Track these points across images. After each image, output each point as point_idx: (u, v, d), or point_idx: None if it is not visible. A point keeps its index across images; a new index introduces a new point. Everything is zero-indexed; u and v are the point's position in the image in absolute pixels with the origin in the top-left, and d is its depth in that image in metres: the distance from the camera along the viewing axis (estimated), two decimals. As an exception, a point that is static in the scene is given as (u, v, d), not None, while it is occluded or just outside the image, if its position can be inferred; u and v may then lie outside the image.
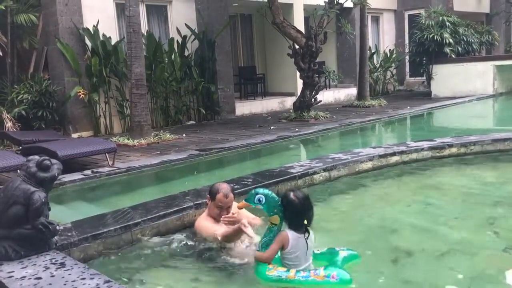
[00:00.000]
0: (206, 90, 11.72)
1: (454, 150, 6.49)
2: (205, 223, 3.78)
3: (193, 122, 11.71)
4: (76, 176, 5.92)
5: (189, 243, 3.75)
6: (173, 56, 11.13)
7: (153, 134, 8.90)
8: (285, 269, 3.08)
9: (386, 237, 3.97)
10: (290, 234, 3.09)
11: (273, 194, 3.22)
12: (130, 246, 3.71)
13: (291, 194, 3.13)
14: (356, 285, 3.02)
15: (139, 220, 3.79)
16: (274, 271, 3.07)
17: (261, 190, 3.24)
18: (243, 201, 3.33)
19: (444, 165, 6.24)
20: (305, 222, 3.08)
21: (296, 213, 3.11)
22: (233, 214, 3.77)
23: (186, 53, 11.56)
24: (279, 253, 3.17)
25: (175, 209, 4.04)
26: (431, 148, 6.40)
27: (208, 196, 3.85)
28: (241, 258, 3.42)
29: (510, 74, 15.50)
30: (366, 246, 3.77)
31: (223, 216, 3.75)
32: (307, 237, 3.10)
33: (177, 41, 11.37)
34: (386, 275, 3.25)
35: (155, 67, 10.73)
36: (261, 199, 3.17)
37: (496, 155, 6.50)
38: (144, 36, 10.46)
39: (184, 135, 9.45)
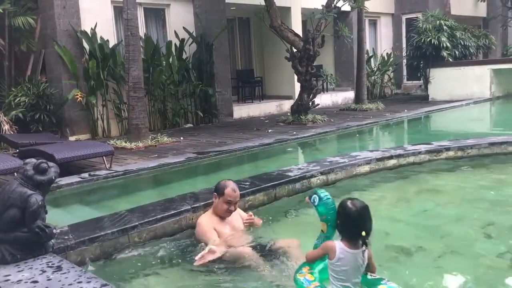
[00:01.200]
0: (203, 93, 11.73)
1: (451, 153, 6.51)
2: (206, 225, 3.76)
3: (191, 125, 11.71)
4: (73, 179, 5.90)
5: (186, 246, 3.75)
6: (171, 59, 11.14)
7: (150, 137, 8.89)
8: (313, 278, 2.85)
9: (384, 239, 3.97)
10: (338, 246, 2.76)
11: (330, 200, 2.93)
12: (128, 249, 3.70)
13: (348, 202, 2.81)
14: None
15: (137, 223, 3.79)
16: (303, 276, 2.88)
17: (320, 191, 3.00)
18: (307, 197, 3.11)
19: (442, 168, 6.25)
20: (363, 234, 2.70)
21: (350, 223, 2.77)
22: (250, 215, 3.89)
23: (184, 56, 11.57)
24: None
25: (173, 212, 4.03)
26: (428, 152, 6.42)
27: (215, 193, 3.85)
28: (235, 261, 3.40)
29: (507, 78, 15.55)
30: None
31: (245, 220, 3.81)
32: (364, 251, 2.75)
33: (175, 44, 11.38)
34: (385, 277, 3.25)
35: (152, 70, 10.73)
36: (314, 200, 2.96)
37: (493, 158, 6.51)
38: (142, 39, 10.46)
39: (181, 138, 9.45)
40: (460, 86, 15.06)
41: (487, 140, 6.86)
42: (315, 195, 2.97)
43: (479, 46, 17.05)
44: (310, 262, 2.94)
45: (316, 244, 2.98)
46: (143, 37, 10.79)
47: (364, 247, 2.72)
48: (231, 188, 3.81)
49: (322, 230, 2.97)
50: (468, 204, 4.93)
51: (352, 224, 2.75)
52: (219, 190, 3.82)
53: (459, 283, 3.15)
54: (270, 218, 4.44)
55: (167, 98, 11.24)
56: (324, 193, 2.97)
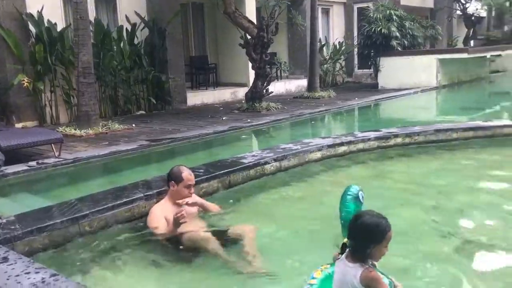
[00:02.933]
0: (156, 79, 11.53)
1: (399, 140, 6.74)
2: (156, 214, 3.73)
3: (143, 112, 11.50)
4: (20, 167, 5.69)
5: (139, 235, 3.71)
6: (122, 44, 10.86)
7: (101, 124, 8.67)
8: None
9: (334, 224, 4.08)
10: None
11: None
12: (79, 238, 3.62)
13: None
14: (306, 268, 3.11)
15: (87, 212, 3.71)
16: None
17: (356, 186, 2.89)
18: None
19: (390, 154, 6.47)
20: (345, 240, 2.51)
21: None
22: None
23: (136, 42, 11.31)
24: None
25: (124, 200, 3.97)
26: (377, 138, 6.62)
27: (172, 181, 3.81)
28: (193, 245, 3.40)
29: (452, 67, 16.21)
30: (315, 233, 3.88)
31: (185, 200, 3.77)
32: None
33: (126, 29, 11.10)
34: (330, 258, 3.35)
35: (103, 55, 10.42)
36: (363, 196, 2.84)
37: (439, 145, 6.80)
38: (92, 23, 10.13)
39: (134, 125, 9.27)
40: (409, 75, 15.55)
41: (433, 127, 7.16)
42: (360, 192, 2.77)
43: (426, 36, 17.65)
44: None
45: None
46: (93, 21, 10.44)
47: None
48: (187, 172, 3.83)
49: None
50: (414, 188, 5.13)
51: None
52: (176, 177, 3.79)
53: (405, 265, 3.29)
54: (225, 205, 4.46)
55: (118, 84, 10.97)
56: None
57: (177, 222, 3.41)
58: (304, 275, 3.04)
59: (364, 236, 2.38)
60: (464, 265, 3.22)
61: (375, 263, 2.52)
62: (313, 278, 2.68)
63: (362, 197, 2.74)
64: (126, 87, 11.15)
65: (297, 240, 3.76)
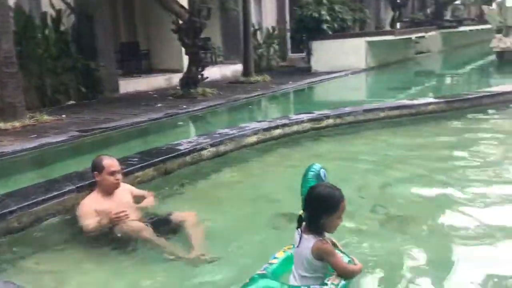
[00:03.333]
0: (85, 67, 11.08)
1: (331, 121, 6.97)
2: (85, 208, 3.61)
3: (73, 102, 11.04)
4: None
5: (72, 228, 3.61)
6: (47, 32, 10.33)
7: (28, 116, 8.26)
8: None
9: (270, 206, 4.19)
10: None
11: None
12: (6, 235, 3.48)
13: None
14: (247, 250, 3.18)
15: (15, 207, 3.56)
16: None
17: (317, 165, 2.80)
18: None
19: (323, 135, 6.68)
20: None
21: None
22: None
23: (62, 28, 10.80)
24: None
25: (55, 193, 3.85)
26: (310, 120, 6.81)
27: (95, 172, 3.72)
28: (128, 236, 3.36)
29: (380, 50, 16.86)
30: (254, 215, 3.96)
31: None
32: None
33: (51, 15, 10.57)
34: (271, 237, 3.47)
35: (26, 43, 9.87)
36: (325, 174, 2.75)
37: (367, 124, 7.10)
38: (12, 9, 9.54)
39: (63, 116, 8.90)
40: (339, 58, 15.99)
41: (362, 108, 7.46)
42: (323, 170, 2.75)
43: (355, 19, 18.18)
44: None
45: None
46: (13, 7, 9.83)
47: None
48: (108, 159, 3.74)
49: None
50: (346, 166, 5.34)
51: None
52: (97, 167, 3.71)
53: (341, 239, 3.43)
54: (163, 192, 4.44)
55: (44, 73, 10.44)
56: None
57: (112, 220, 3.36)
58: (246, 257, 3.13)
59: (318, 207, 2.45)
60: (391, 239, 3.41)
61: (335, 242, 2.65)
62: (275, 258, 2.71)
63: (324, 175, 2.77)
64: (54, 76, 10.63)
65: (237, 223, 3.82)
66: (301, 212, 2.51)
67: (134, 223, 3.40)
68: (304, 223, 2.50)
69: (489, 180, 4.56)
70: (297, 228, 2.53)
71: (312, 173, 2.75)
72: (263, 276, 2.55)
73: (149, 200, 4.02)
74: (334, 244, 2.62)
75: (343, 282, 2.44)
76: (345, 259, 2.57)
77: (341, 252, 2.64)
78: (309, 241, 2.44)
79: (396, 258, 3.10)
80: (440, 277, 2.84)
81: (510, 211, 3.76)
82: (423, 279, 2.85)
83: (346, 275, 2.46)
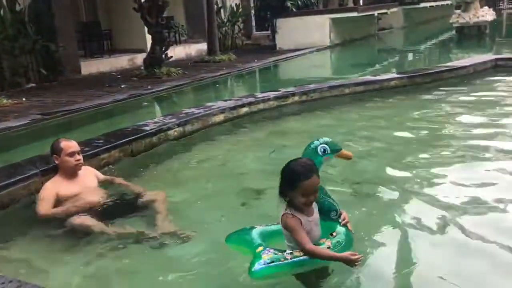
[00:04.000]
0: (45, 48, 10.75)
1: (296, 98, 7.04)
2: (45, 192, 3.56)
3: (33, 84, 10.71)
4: None
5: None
6: (2, 12, 9.92)
7: (-14, 100, 7.99)
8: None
9: (240, 182, 4.23)
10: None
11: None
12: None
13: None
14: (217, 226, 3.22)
15: (-22, 193, 3.48)
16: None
17: (318, 141, 2.75)
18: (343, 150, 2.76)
19: (289, 112, 6.75)
20: None
21: None
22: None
23: (18, 8, 10.40)
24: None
25: (19, 177, 3.77)
26: (276, 98, 6.85)
27: (54, 155, 3.66)
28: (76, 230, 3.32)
29: (344, 27, 16.99)
30: (220, 192, 4.00)
31: None
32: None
33: (5, -6, 10.15)
34: (239, 213, 3.53)
35: (-20, 25, 9.49)
36: (326, 150, 2.72)
37: (333, 100, 7.20)
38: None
39: (24, 99, 8.65)
40: (304, 35, 16.04)
41: (327, 84, 7.56)
42: (322, 145, 2.74)
43: (315, -4, 18.21)
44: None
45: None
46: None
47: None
48: (65, 141, 3.71)
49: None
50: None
51: None
52: (56, 149, 3.67)
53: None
54: (130, 173, 4.41)
55: (2, 55, 10.07)
56: (320, 139, 2.78)
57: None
58: (215, 233, 3.15)
59: (281, 179, 2.51)
60: (358, 210, 3.51)
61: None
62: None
63: (323, 150, 2.75)
64: (12, 59, 10.26)
65: (205, 201, 3.84)
66: None
67: (81, 219, 3.33)
68: None
69: (449, 150, 4.73)
70: None
71: (310, 149, 2.77)
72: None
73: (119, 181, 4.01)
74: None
75: (306, 257, 2.42)
76: (325, 245, 2.49)
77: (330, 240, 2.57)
78: (280, 212, 2.51)
79: (361, 228, 3.20)
80: (401, 249, 2.95)
81: (467, 180, 3.92)
82: (387, 248, 2.96)
83: (305, 252, 2.41)
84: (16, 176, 3.80)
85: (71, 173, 3.68)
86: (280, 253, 2.45)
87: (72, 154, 3.64)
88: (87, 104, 7.71)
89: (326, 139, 2.80)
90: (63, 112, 7.15)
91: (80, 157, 3.71)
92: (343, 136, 5.55)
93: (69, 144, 3.67)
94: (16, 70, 10.35)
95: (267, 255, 2.43)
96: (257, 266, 2.39)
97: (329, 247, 2.47)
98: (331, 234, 2.61)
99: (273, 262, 2.40)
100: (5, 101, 8.14)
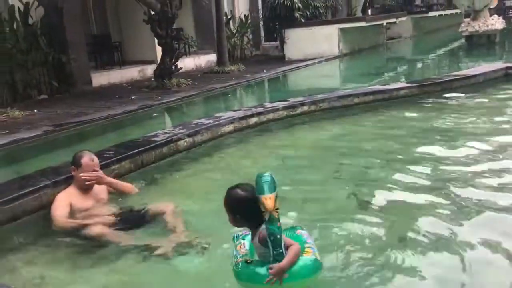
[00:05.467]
0: (57, 61, 10.88)
1: (305, 108, 7.04)
2: (60, 201, 3.61)
3: (45, 96, 10.84)
4: None
5: (47, 223, 3.59)
6: (15, 26, 10.09)
7: (-1, 112, 8.10)
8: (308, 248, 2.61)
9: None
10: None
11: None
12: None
13: (238, 190, 2.61)
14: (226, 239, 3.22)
15: (-10, 204, 3.52)
16: (310, 251, 2.60)
17: (267, 173, 2.50)
18: (270, 194, 2.42)
19: (298, 122, 6.75)
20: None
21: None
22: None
23: (31, 22, 10.56)
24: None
25: (30, 189, 3.81)
26: (285, 108, 6.86)
27: (73, 167, 3.71)
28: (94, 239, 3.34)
29: (352, 37, 17.00)
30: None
31: (86, 175, 3.66)
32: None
33: (19, 8, 10.31)
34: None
35: (-6, 38, 9.64)
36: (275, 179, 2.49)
37: (342, 110, 7.19)
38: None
39: (36, 111, 8.75)
40: (312, 45, 16.08)
41: (336, 94, 7.55)
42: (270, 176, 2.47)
43: (327, 7, 18.26)
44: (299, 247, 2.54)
45: (282, 238, 2.50)
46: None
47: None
48: (87, 157, 3.74)
49: (277, 213, 2.47)
50: (320, 152, 5.43)
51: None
52: (76, 162, 3.71)
53: (317, 223, 3.52)
54: (140, 184, 4.43)
55: (15, 68, 10.21)
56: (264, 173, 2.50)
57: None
58: (227, 244, 3.15)
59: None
60: (365, 221, 3.49)
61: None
62: None
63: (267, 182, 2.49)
64: (24, 71, 10.41)
65: (216, 213, 3.83)
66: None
67: (97, 229, 3.34)
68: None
69: (460, 159, 4.70)
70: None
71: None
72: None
73: (129, 187, 4.03)
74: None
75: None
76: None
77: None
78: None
79: (369, 241, 3.18)
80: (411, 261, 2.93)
81: (479, 191, 3.89)
82: (396, 261, 2.94)
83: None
84: (28, 188, 3.83)
85: (85, 188, 3.72)
86: None
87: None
88: (98, 115, 7.78)
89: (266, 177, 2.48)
90: (74, 123, 7.22)
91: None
92: (352, 146, 5.55)
93: (89, 163, 3.71)
94: (28, 83, 10.49)
95: None
96: None
97: None
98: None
99: None
100: (17, 113, 8.24)
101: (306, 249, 2.59)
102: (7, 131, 6.97)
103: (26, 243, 3.45)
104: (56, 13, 10.85)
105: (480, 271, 2.76)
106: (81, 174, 3.67)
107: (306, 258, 2.52)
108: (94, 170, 3.72)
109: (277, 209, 2.43)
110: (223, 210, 3.64)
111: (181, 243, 3.19)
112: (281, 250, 2.47)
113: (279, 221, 2.46)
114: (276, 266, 2.43)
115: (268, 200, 2.41)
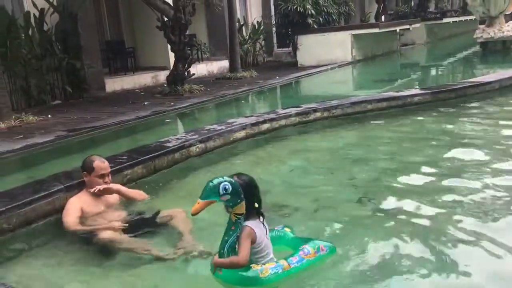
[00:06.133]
0: (71, 66, 10.99)
1: (318, 114, 7.00)
2: (71, 206, 3.62)
3: (59, 101, 10.95)
4: None
5: (59, 227, 3.59)
6: (30, 32, 10.22)
7: (14, 117, 8.18)
8: (274, 263, 2.72)
9: (263, 198, 4.19)
10: (252, 225, 2.69)
11: (230, 179, 2.68)
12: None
13: (243, 176, 2.73)
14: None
15: (3, 208, 3.53)
16: (267, 270, 2.65)
17: (220, 179, 2.63)
18: (200, 200, 2.60)
19: (311, 128, 6.72)
20: (257, 205, 2.73)
21: (252, 197, 2.71)
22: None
23: (46, 28, 10.69)
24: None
25: (43, 193, 3.82)
26: (298, 114, 6.83)
27: (84, 172, 3.72)
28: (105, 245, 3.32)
29: (365, 42, 16.93)
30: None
31: (97, 188, 3.66)
32: (263, 220, 2.80)
33: (34, 14, 10.44)
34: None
35: (10, 44, 9.75)
36: (227, 187, 2.59)
37: (355, 116, 7.14)
38: (-6, 10, 9.43)
39: (49, 116, 8.83)
40: (325, 52, 16.03)
41: (349, 100, 7.50)
42: (224, 183, 2.60)
43: (340, 13, 18.22)
44: (247, 263, 2.65)
45: (230, 243, 2.69)
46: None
47: (262, 218, 2.78)
48: (98, 160, 3.75)
49: (237, 217, 2.69)
50: (334, 160, 5.39)
51: (253, 197, 2.71)
52: (87, 167, 3.72)
53: (330, 229, 3.48)
54: (152, 190, 4.43)
55: (29, 74, 10.33)
56: (223, 177, 2.65)
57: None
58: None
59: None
60: (376, 229, 3.45)
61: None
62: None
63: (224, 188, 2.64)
64: (39, 77, 10.53)
65: (227, 218, 3.81)
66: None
67: (108, 234, 3.33)
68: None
69: (475, 166, 4.62)
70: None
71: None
72: None
73: (140, 194, 4.02)
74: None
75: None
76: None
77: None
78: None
79: (383, 248, 3.13)
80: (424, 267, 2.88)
81: (495, 199, 3.81)
82: (408, 267, 2.89)
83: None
84: (41, 192, 3.85)
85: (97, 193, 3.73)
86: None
87: (102, 176, 3.69)
88: (111, 120, 7.83)
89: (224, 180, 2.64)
90: (88, 128, 7.27)
91: (109, 179, 3.76)
92: (365, 153, 5.50)
93: (101, 166, 3.72)
94: (43, 88, 10.60)
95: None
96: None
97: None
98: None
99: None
100: (31, 118, 8.32)
101: (267, 263, 2.71)
102: (21, 136, 7.03)
103: (38, 248, 3.46)
104: (70, 20, 10.97)
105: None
106: (91, 190, 3.66)
107: (247, 270, 2.65)
108: (105, 175, 3.72)
109: (238, 214, 2.68)
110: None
111: (190, 250, 3.17)
112: (222, 251, 2.71)
113: (233, 225, 2.69)
114: (214, 258, 2.77)
115: (196, 204, 2.62)
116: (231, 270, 2.66)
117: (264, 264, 2.69)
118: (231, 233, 2.69)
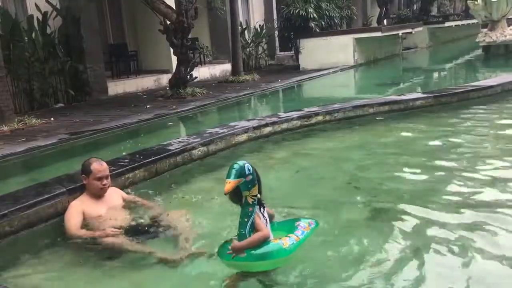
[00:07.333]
0: (73, 70, 11.04)
1: (320, 118, 7.00)
2: (73, 210, 3.63)
3: (62, 104, 10.99)
4: None
5: (61, 230, 3.60)
6: (33, 35, 10.26)
7: (16, 120, 8.21)
8: (287, 237, 2.95)
9: (268, 201, 4.20)
10: (257, 209, 2.87)
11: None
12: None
13: (248, 164, 2.80)
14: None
15: (6, 211, 3.54)
16: (287, 241, 2.89)
17: (241, 161, 2.81)
18: (230, 180, 2.73)
19: (313, 132, 6.72)
20: (259, 195, 2.88)
21: (260, 182, 2.88)
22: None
23: (49, 31, 10.73)
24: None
25: (46, 196, 3.83)
26: (299, 118, 6.83)
27: (83, 175, 3.73)
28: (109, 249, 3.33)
29: (368, 46, 16.96)
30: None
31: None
32: (264, 211, 2.93)
33: (37, 18, 10.49)
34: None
35: (13, 47, 9.80)
36: (250, 168, 2.77)
37: (356, 120, 7.14)
38: (-3, 13, 9.48)
39: (52, 119, 8.85)
40: (327, 55, 16.06)
41: (351, 104, 7.50)
42: (247, 165, 2.77)
43: (342, 17, 18.26)
44: (269, 235, 2.87)
45: (250, 224, 2.82)
46: (-1, 10, 9.77)
47: (262, 208, 2.92)
48: (96, 163, 3.75)
49: (253, 198, 2.84)
50: (335, 162, 5.39)
51: (260, 182, 2.88)
52: (85, 170, 3.73)
53: (329, 233, 3.48)
54: (154, 193, 4.43)
55: (32, 77, 10.37)
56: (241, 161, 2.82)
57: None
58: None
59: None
60: (377, 231, 3.45)
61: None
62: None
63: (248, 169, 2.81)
64: (42, 80, 10.57)
65: (230, 221, 3.81)
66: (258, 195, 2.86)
67: (109, 237, 3.33)
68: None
69: (478, 171, 4.62)
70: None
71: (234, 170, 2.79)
72: None
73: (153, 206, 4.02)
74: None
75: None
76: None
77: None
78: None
79: (383, 249, 3.14)
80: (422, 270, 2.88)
81: (496, 202, 3.81)
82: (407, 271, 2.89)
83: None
84: (44, 195, 3.85)
85: (97, 195, 3.74)
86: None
87: (100, 178, 3.69)
88: (113, 123, 7.85)
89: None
90: (90, 131, 7.29)
91: (107, 181, 3.75)
92: (366, 156, 5.50)
93: (99, 168, 3.71)
94: (46, 91, 10.64)
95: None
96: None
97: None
98: None
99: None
100: (34, 120, 8.35)
101: (282, 238, 2.92)
102: (24, 139, 7.05)
103: (40, 250, 3.46)
104: (73, 23, 11.02)
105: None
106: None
107: (270, 244, 2.83)
108: (103, 177, 3.72)
109: (253, 196, 2.81)
110: (236, 219, 3.64)
111: (192, 252, 3.18)
112: (244, 232, 2.80)
113: (251, 206, 2.82)
114: (233, 243, 2.81)
115: (226, 184, 2.73)
116: (255, 248, 2.79)
117: (276, 238, 2.92)
118: (249, 214, 2.84)
